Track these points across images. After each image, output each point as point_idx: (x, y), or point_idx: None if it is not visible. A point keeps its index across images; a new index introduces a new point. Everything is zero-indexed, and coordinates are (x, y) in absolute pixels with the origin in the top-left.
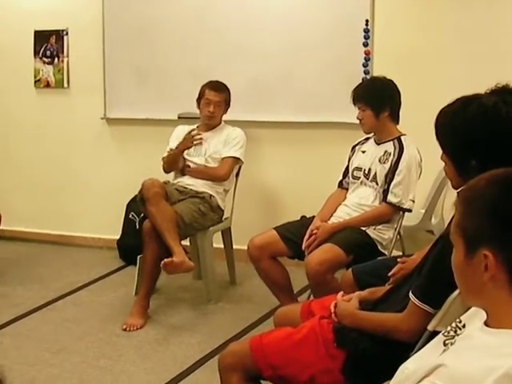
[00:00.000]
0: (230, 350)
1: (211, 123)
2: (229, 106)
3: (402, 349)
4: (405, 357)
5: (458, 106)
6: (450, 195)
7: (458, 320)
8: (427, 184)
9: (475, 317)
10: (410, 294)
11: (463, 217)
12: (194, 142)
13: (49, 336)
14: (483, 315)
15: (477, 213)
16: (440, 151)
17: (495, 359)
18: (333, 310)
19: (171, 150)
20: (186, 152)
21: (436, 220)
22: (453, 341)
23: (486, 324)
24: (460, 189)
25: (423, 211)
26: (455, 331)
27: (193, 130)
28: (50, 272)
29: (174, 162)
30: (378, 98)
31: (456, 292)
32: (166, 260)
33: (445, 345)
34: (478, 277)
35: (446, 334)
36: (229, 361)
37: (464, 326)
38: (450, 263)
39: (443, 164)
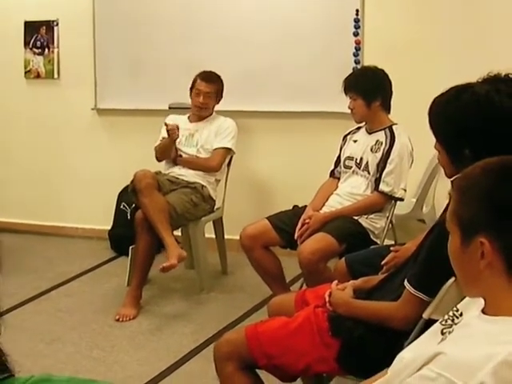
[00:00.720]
0: (226, 339)
1: (201, 114)
2: (221, 97)
3: (396, 337)
4: (400, 345)
5: (451, 95)
6: (442, 184)
7: (454, 309)
8: (418, 173)
9: (472, 305)
10: (406, 282)
11: (459, 205)
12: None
13: (42, 327)
14: (480, 303)
15: (472, 201)
16: (431, 140)
17: (493, 346)
18: (327, 298)
19: (163, 138)
20: (177, 142)
21: (427, 209)
22: (450, 329)
23: (484, 312)
24: (454, 177)
25: (414, 200)
26: (452, 320)
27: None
28: (42, 263)
29: (166, 152)
30: (370, 88)
31: (451, 280)
32: (165, 265)
33: (442, 333)
34: (474, 264)
35: (443, 322)
36: (224, 350)
37: (461, 315)
38: (445, 251)
39: (434, 153)
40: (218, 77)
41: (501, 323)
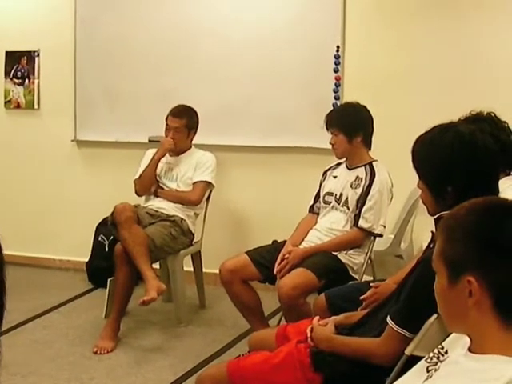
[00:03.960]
0: (207, 374)
1: (173, 149)
2: (194, 130)
3: (378, 372)
4: (382, 381)
5: (434, 134)
6: (420, 220)
7: (440, 346)
8: (396, 209)
9: (457, 343)
10: (388, 318)
11: (445, 245)
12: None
13: (18, 359)
14: (466, 341)
15: (459, 240)
16: (409, 176)
17: None
18: (309, 334)
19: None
20: (158, 175)
21: (405, 245)
22: (436, 367)
23: (470, 350)
24: (437, 215)
25: (392, 236)
26: (438, 357)
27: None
28: (18, 294)
29: (150, 177)
30: (351, 124)
31: (433, 317)
32: (145, 298)
33: (428, 371)
34: (461, 303)
35: (428, 360)
36: None
37: (446, 352)
38: (428, 288)
39: (412, 189)
40: (189, 110)
41: (488, 361)
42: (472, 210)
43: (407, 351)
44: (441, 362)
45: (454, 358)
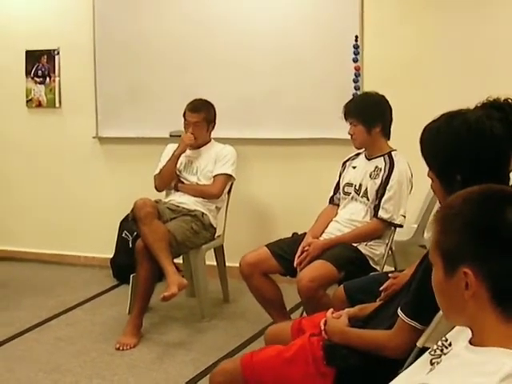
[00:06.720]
0: (222, 368)
1: (194, 143)
2: (213, 123)
3: (392, 365)
4: (395, 373)
5: (441, 122)
6: None
7: (443, 338)
8: (419, 199)
9: (461, 335)
10: (399, 310)
11: (441, 235)
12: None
13: (42, 356)
14: (468, 333)
15: (455, 231)
16: None
17: (479, 377)
18: (323, 327)
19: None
20: (178, 169)
21: (428, 234)
22: (439, 360)
23: (471, 342)
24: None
25: (415, 226)
26: (441, 350)
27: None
28: (42, 291)
29: (170, 173)
30: (370, 114)
31: None
32: (166, 294)
33: (431, 364)
34: (459, 295)
35: (432, 352)
36: (220, 379)
37: (450, 345)
38: None
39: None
40: (206, 104)
41: (487, 354)
42: (468, 199)
43: (419, 343)
44: (444, 354)
45: (456, 350)
